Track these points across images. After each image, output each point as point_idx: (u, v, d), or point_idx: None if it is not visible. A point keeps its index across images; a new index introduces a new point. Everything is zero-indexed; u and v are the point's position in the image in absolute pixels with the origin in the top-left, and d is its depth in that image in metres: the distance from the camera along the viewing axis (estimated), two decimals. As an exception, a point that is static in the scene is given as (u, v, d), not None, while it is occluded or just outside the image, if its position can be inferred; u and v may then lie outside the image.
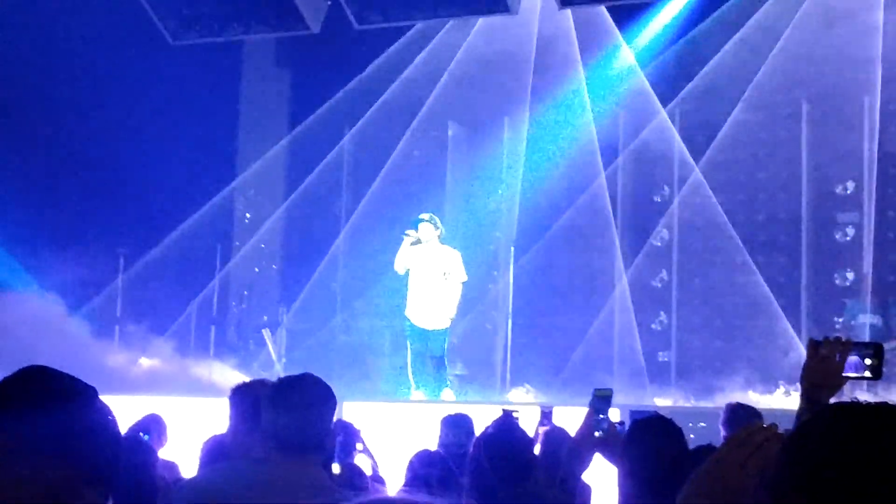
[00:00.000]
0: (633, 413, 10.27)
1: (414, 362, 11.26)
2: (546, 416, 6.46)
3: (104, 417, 1.55)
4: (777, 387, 11.17)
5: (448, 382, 11.15)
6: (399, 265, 11.36)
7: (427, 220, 11.28)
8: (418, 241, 11.33)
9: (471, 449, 4.31)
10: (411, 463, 4.91)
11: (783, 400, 10.67)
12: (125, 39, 12.86)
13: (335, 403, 3.31)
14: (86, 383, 1.56)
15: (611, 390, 4.30)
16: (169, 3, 11.41)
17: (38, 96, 13.24)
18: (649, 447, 3.75)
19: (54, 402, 1.48)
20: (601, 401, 4.26)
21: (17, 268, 13.35)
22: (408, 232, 11.31)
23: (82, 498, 1.50)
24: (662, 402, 11.21)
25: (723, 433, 6.31)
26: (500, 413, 5.32)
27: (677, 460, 3.66)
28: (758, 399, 10.89)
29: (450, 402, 10.73)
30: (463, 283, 11.33)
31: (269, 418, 3.23)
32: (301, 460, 3.18)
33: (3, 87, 12.87)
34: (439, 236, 11.32)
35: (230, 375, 12.29)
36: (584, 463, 4.26)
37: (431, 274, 11.21)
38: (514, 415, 5.34)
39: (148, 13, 11.53)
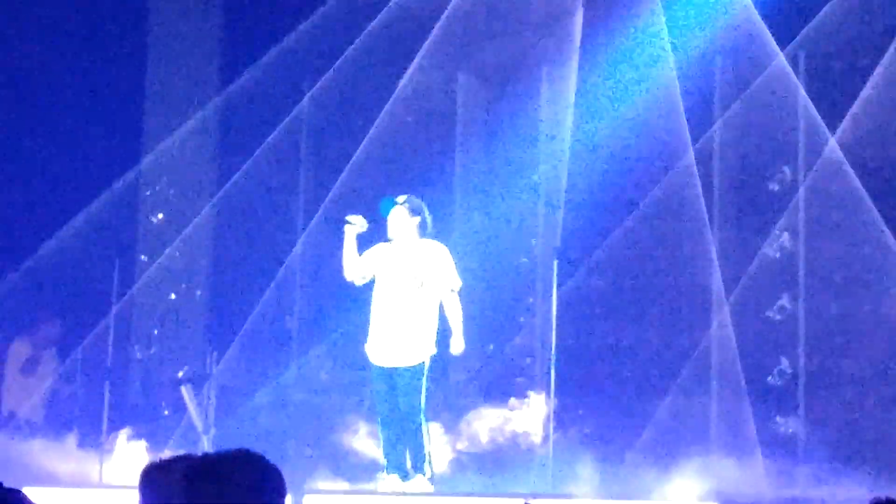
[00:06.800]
0: None
1: (383, 427, 11.16)
2: None
3: None
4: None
5: (426, 459, 10.98)
6: (350, 270, 11.26)
7: (400, 203, 11.20)
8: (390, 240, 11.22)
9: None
10: None
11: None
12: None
13: (284, 493, 3.33)
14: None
15: None
16: None
17: None
18: None
19: None
20: None
21: None
22: (349, 218, 11.23)
23: None
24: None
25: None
26: None
27: None
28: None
29: (423, 495, 10.70)
30: (456, 292, 11.19)
31: None
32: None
33: None
34: (419, 227, 11.23)
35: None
36: None
37: (400, 284, 11.11)
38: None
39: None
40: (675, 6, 13.68)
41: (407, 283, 11.09)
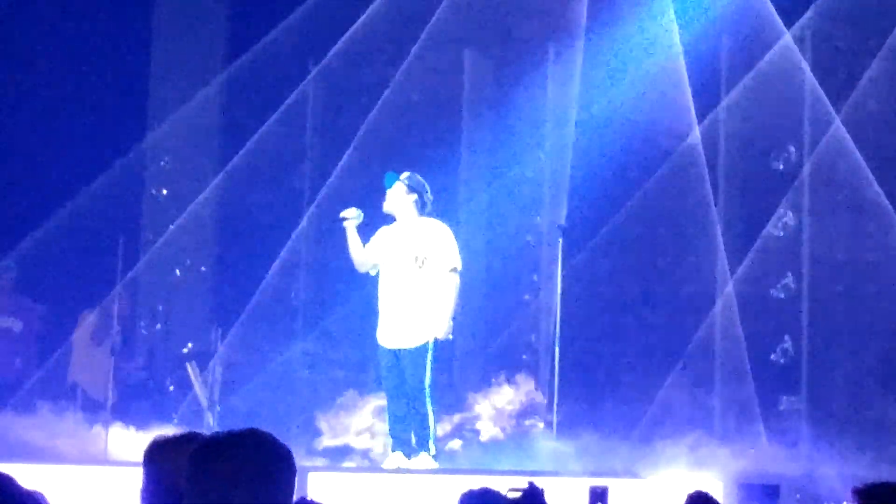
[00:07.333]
0: (743, 486, 10.27)
1: (390, 406, 11.30)
2: (598, 496, 6.56)
3: None
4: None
5: (430, 437, 11.05)
6: (359, 263, 11.33)
7: (400, 179, 11.20)
8: (390, 219, 11.25)
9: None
10: None
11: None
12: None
13: (294, 474, 3.28)
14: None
15: None
16: None
17: None
18: None
19: None
20: None
21: None
22: (343, 214, 11.25)
23: None
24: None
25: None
26: (526, 486, 5.42)
27: None
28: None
29: (424, 472, 10.75)
30: (457, 272, 11.15)
31: (193, 496, 3.22)
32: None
33: None
34: (416, 205, 11.23)
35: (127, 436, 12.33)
36: None
37: (401, 265, 11.14)
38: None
39: None
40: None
41: (407, 263, 11.11)
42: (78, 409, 13.54)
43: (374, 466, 11.62)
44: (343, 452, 12.63)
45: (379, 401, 12.64)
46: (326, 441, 12.93)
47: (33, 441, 12.10)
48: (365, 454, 12.55)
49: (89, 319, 14.05)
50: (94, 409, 13.41)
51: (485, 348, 13.62)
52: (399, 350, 11.10)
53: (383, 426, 12.40)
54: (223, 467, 3.18)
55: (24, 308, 14.20)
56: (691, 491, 6.19)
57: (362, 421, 13.01)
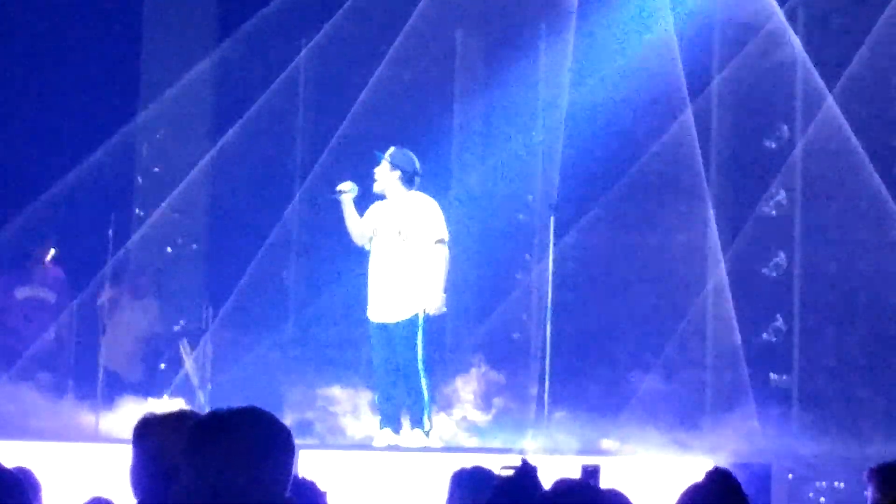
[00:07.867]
0: (734, 466, 10.28)
1: (379, 382, 11.36)
2: (590, 475, 6.55)
3: None
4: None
5: (425, 414, 11.12)
6: (358, 234, 11.44)
7: (384, 158, 11.33)
8: (382, 196, 11.35)
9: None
10: None
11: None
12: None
13: (292, 453, 3.30)
14: None
15: None
16: None
17: None
18: None
19: None
20: None
21: None
22: (340, 188, 11.39)
23: None
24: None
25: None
26: (519, 464, 5.37)
27: None
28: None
29: (416, 450, 10.83)
30: (445, 243, 11.29)
31: (190, 474, 3.22)
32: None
33: None
34: (402, 181, 11.32)
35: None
36: None
37: (387, 239, 11.29)
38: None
39: None
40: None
41: (392, 237, 11.23)
42: (69, 387, 13.53)
43: (366, 444, 11.61)
44: (302, 430, 12.57)
45: (347, 380, 12.72)
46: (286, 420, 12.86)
47: (24, 418, 12.11)
48: (326, 433, 12.55)
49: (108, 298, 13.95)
50: (119, 389, 13.38)
51: (476, 327, 13.59)
52: (388, 324, 11.18)
53: (346, 407, 12.47)
54: (222, 445, 3.19)
55: (57, 280, 14.16)
56: (709, 468, 6.19)
57: (326, 399, 13.03)
